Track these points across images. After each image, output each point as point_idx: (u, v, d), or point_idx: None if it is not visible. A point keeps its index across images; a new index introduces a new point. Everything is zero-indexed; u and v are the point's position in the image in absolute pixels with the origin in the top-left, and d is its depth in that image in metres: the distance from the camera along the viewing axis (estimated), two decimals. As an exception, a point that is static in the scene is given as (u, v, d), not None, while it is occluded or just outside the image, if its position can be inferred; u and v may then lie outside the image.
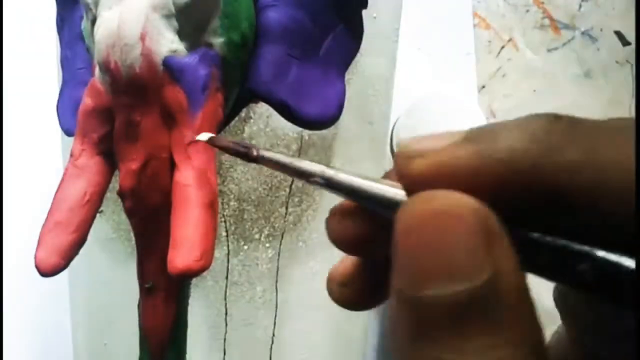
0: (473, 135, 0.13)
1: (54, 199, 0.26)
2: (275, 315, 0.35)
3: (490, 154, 0.12)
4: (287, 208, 0.34)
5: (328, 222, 0.15)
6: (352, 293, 0.16)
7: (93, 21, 0.25)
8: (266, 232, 0.35)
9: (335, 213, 0.15)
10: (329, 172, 0.15)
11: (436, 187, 0.12)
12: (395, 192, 0.14)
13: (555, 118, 0.12)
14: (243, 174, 0.34)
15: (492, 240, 0.12)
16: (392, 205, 0.13)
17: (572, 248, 0.12)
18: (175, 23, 0.24)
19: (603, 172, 0.12)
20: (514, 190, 0.12)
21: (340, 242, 0.15)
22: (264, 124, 0.34)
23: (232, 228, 0.35)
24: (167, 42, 0.24)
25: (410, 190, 0.13)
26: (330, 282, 0.17)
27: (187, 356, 0.29)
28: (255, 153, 0.16)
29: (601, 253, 0.11)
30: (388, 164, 0.43)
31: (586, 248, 0.12)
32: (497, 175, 0.12)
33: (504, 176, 0.12)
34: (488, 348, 0.11)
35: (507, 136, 0.12)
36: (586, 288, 0.12)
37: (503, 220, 0.12)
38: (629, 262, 0.11)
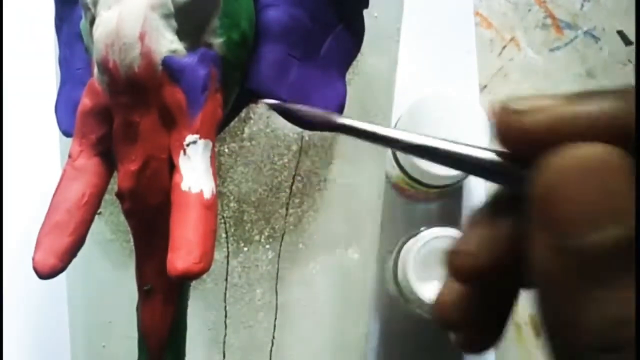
0: (577, 97, 0.14)
1: (52, 200, 0.26)
2: (275, 318, 0.35)
3: (601, 110, 0.13)
4: (287, 209, 0.34)
5: (451, 258, 0.16)
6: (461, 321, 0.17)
7: (92, 21, 0.25)
8: (266, 234, 0.34)
9: (459, 248, 0.16)
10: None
11: (553, 140, 0.13)
12: (494, 156, 0.15)
13: None
14: (243, 175, 0.34)
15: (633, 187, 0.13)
16: (502, 168, 0.15)
17: None
18: (174, 23, 0.24)
19: None
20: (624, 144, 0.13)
21: (471, 273, 0.16)
22: (264, 124, 0.34)
23: (232, 230, 0.34)
24: (167, 42, 0.24)
25: (518, 147, 0.14)
26: (436, 306, 0.18)
27: (186, 358, 0.28)
28: (336, 121, 0.17)
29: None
30: (388, 163, 0.43)
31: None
32: (614, 128, 0.13)
33: (618, 129, 0.13)
34: None
35: (605, 97, 0.13)
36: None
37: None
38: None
